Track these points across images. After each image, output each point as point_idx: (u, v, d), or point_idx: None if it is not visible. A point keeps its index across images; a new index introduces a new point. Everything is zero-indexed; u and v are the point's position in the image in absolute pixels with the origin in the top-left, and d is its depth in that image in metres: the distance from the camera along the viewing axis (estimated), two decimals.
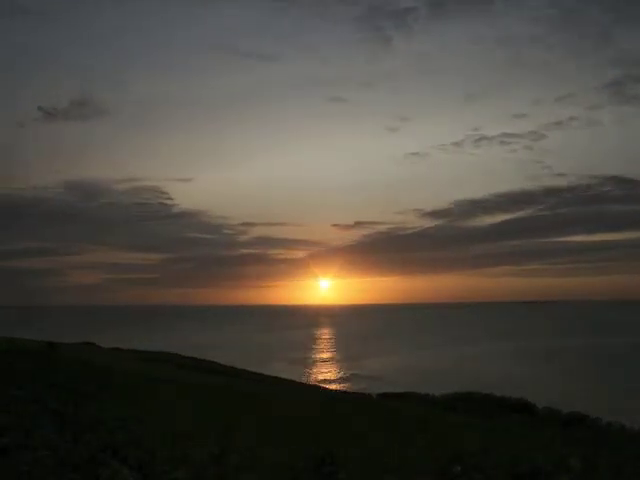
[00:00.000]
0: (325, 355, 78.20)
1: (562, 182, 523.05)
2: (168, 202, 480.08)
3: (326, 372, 59.29)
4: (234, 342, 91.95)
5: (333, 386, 44.17)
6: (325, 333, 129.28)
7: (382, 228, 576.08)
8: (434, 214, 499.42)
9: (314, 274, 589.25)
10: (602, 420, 22.62)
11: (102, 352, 36.27)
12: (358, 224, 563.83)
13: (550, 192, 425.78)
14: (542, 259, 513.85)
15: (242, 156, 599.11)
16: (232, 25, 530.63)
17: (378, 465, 7.81)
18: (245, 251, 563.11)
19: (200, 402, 15.01)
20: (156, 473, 5.33)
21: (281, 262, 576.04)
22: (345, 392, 37.74)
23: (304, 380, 41.11)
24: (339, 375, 56.42)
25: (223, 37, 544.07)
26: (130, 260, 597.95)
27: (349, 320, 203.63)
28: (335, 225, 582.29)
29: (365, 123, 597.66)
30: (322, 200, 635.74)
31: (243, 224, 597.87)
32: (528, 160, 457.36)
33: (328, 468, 6.33)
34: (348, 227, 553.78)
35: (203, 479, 5.54)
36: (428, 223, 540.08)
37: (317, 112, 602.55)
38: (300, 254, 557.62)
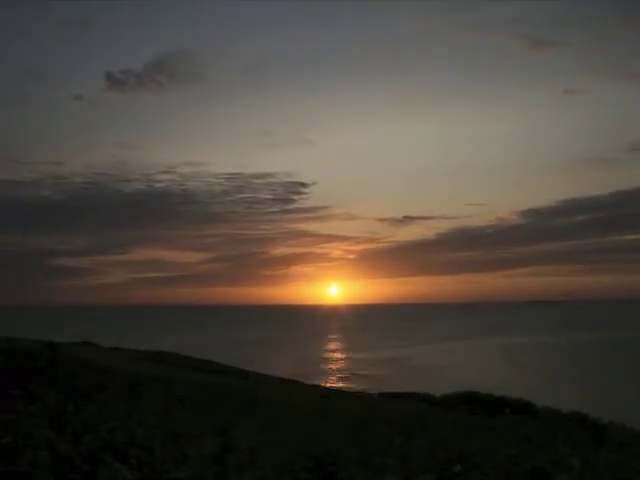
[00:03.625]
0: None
1: None
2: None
3: (329, 371, 59.31)
4: (236, 343, 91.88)
5: (333, 386, 44.15)
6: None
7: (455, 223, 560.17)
8: (527, 213, 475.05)
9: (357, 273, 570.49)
10: (602, 420, 22.61)
11: (102, 352, 36.27)
12: (409, 218, 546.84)
13: None
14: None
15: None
16: None
17: (378, 465, 7.80)
18: (285, 250, 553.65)
19: (200, 402, 15.01)
20: (156, 473, 5.33)
21: (326, 259, 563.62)
22: (345, 391, 37.75)
23: (304, 380, 41.14)
24: (339, 374, 56.41)
25: None
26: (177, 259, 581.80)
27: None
28: (382, 220, 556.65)
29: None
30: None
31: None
32: None
33: (328, 468, 6.33)
34: (396, 221, 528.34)
35: (203, 479, 5.54)
36: (513, 222, 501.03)
37: None
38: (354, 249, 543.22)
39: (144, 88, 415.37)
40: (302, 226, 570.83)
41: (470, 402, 27.66)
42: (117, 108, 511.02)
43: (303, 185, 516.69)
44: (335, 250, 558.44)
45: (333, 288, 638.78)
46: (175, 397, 14.98)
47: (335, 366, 64.05)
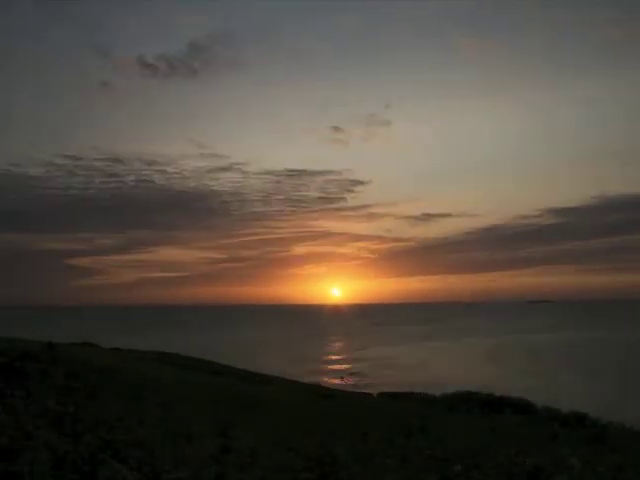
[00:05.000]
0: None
1: None
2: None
3: (327, 371, 59.32)
4: (235, 343, 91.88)
5: (334, 385, 44.14)
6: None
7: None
8: (560, 211, 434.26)
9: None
10: (602, 419, 22.61)
11: (102, 352, 36.24)
12: (427, 216, 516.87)
13: None
14: None
15: None
16: None
17: (378, 465, 7.80)
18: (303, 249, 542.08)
19: (200, 402, 15.01)
20: (156, 473, 5.33)
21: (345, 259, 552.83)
22: (345, 391, 37.73)
23: (305, 380, 41.14)
24: (340, 374, 56.42)
25: None
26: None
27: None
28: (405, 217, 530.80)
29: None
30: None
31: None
32: None
33: (328, 468, 6.33)
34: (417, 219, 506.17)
35: (203, 479, 5.54)
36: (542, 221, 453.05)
37: None
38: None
39: (179, 74, 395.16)
40: (333, 225, 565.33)
41: (470, 402, 27.65)
42: (154, 95, 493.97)
43: (360, 183, 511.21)
44: (356, 250, 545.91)
45: (345, 288, 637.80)
46: (175, 397, 14.98)
47: (335, 366, 64.09)
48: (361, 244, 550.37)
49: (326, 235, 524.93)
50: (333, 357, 75.28)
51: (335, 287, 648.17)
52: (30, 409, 7.64)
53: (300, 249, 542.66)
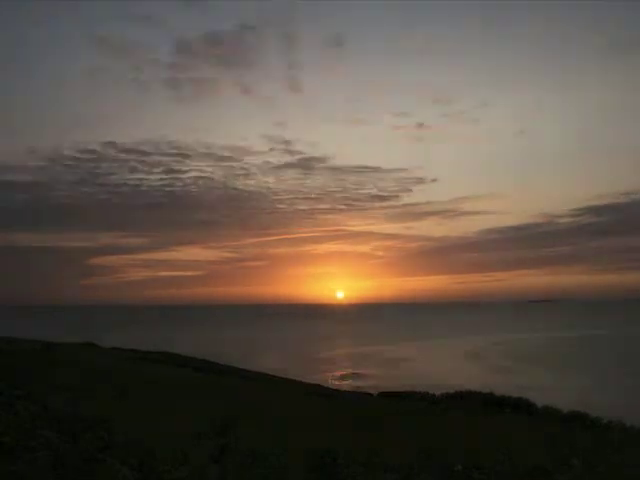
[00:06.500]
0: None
1: None
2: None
3: (328, 370, 59.33)
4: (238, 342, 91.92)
5: (334, 385, 44.15)
6: None
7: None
8: (590, 209, 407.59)
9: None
10: (602, 419, 22.60)
11: (102, 352, 36.28)
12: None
13: None
14: None
15: None
16: None
17: (379, 464, 7.80)
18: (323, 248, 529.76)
19: (200, 402, 15.01)
20: (156, 473, 5.33)
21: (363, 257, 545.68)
22: (345, 391, 37.74)
23: (305, 379, 41.14)
24: (340, 374, 56.43)
25: None
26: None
27: None
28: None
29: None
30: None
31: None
32: None
33: (328, 468, 6.33)
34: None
35: (203, 479, 5.54)
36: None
37: None
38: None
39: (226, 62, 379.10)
40: (366, 224, 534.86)
41: (470, 401, 27.65)
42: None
43: (422, 182, 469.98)
44: (378, 249, 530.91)
45: (358, 287, 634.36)
46: (175, 397, 14.99)
47: (336, 365, 64.11)
48: (385, 243, 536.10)
49: (354, 235, 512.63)
50: (334, 357, 75.22)
51: (349, 287, 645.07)
52: (30, 409, 7.64)
53: (323, 248, 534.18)
